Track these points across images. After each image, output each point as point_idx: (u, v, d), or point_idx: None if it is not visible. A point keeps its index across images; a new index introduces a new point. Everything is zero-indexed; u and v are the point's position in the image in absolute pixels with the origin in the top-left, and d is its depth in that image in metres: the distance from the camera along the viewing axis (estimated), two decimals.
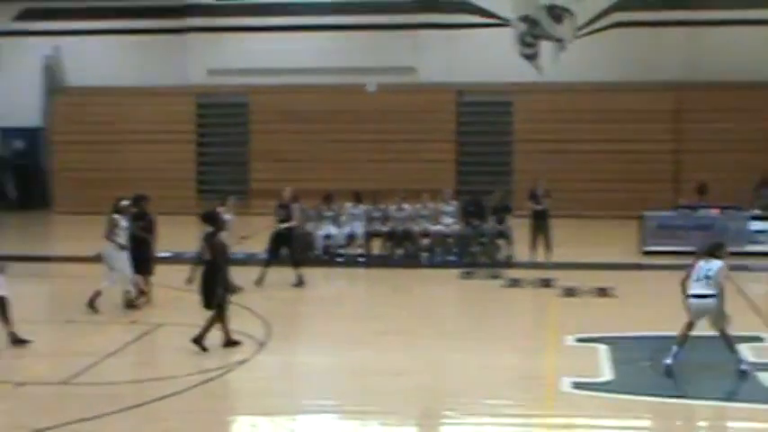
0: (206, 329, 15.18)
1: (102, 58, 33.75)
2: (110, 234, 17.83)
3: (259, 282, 20.64)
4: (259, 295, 19.71)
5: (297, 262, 21.00)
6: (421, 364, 14.75)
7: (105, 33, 34.09)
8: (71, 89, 33.70)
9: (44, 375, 14.10)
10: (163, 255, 21.54)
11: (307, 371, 14.83)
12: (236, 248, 21.62)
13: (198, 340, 15.11)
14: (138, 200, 18.77)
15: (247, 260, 21.90)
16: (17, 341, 15.49)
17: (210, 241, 15.27)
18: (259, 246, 22.11)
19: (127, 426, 12.15)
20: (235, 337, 15.46)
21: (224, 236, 18.03)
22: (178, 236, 21.25)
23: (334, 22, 33.15)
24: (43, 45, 33.61)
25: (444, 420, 12.74)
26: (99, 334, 16.68)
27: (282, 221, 21.02)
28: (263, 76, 32.78)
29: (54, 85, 33.72)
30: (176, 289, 20.04)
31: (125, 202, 18.30)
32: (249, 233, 24.48)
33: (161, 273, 20.41)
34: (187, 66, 33.67)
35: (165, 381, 13.77)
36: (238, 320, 17.21)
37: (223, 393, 13.74)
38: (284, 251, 20.95)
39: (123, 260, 17.96)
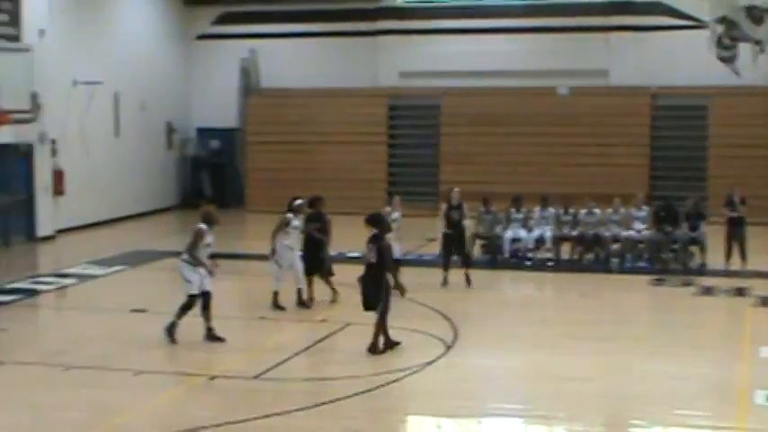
0: (377, 335, 15.20)
1: (295, 61, 34.37)
2: (276, 232, 18.04)
3: (444, 284, 20.68)
4: (447, 297, 19.73)
5: (467, 263, 21.00)
6: (609, 371, 14.50)
7: (299, 36, 34.70)
8: (266, 91, 34.44)
9: (237, 370, 14.43)
10: (353, 255, 21.78)
11: (493, 374, 14.75)
12: (423, 250, 21.77)
13: (373, 349, 15.15)
14: (314, 201, 18.80)
15: (438, 261, 21.94)
16: (213, 338, 15.91)
17: (377, 244, 15.18)
18: None
19: (315, 422, 12.32)
20: (381, 346, 15.28)
21: (391, 235, 18.19)
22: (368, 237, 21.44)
23: (526, 24, 32.93)
24: (240, 48, 34.43)
25: (631, 429, 12.50)
26: (289, 331, 16.97)
27: (453, 224, 20.93)
28: (454, 78, 32.81)
29: (250, 87, 34.51)
30: None
31: (299, 202, 18.43)
32: (438, 235, 24.51)
33: (351, 273, 20.62)
34: (378, 68, 33.98)
35: (352, 379, 13.90)
36: (426, 322, 17.29)
37: (409, 394, 13.77)
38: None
39: (294, 258, 18.17)
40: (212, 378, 14.07)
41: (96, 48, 30.21)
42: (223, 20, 35.23)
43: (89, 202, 29.64)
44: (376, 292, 15.06)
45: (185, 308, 15.79)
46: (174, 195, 35.08)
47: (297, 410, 12.58)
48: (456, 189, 21.46)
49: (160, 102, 33.85)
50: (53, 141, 27.76)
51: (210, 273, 15.74)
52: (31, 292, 20.60)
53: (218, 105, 34.83)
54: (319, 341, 16.19)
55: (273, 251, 18.09)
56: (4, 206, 25.98)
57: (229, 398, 13.41)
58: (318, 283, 18.66)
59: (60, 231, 27.95)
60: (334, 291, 18.68)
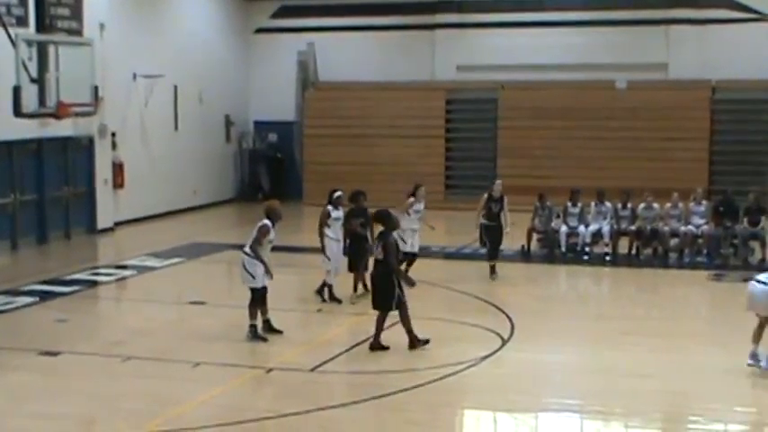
0: (409, 331, 15.08)
1: (352, 54, 34.41)
2: (321, 226, 18.08)
3: (492, 276, 20.73)
4: (503, 290, 19.68)
5: (493, 255, 21.06)
6: (667, 367, 14.39)
7: (357, 30, 34.73)
8: (323, 84, 34.51)
9: (294, 362, 14.48)
10: (406, 251, 21.77)
11: (550, 369, 14.69)
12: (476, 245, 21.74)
13: (414, 343, 15.06)
14: (356, 196, 18.67)
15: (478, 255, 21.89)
16: (271, 329, 15.99)
17: (382, 240, 15.06)
18: (504, 242, 21.98)
19: (370, 415, 12.35)
20: (385, 343, 15.16)
21: (414, 226, 18.68)
22: (425, 230, 21.43)
23: (584, 17, 32.72)
24: (298, 41, 34.53)
25: (690, 425, 12.39)
26: (346, 324, 17.01)
27: (492, 216, 20.89)
28: (511, 72, 32.67)
29: (307, 81, 34.60)
30: (424, 282, 20.27)
31: (339, 194, 18.33)
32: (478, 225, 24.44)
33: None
34: (436, 62, 33.93)
35: (407, 373, 13.91)
36: (482, 316, 17.26)
37: (466, 388, 13.75)
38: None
39: (337, 251, 18.18)
40: (269, 370, 14.15)
41: (156, 41, 30.45)
42: (281, 13, 35.35)
43: (148, 195, 29.90)
44: (385, 291, 14.92)
45: (254, 303, 15.85)
46: (232, 188, 35.29)
47: (353, 403, 12.62)
48: (498, 181, 21.51)
49: (218, 95, 34.06)
50: (113, 134, 28.04)
51: (268, 273, 15.79)
52: (91, 284, 20.84)
53: (276, 99, 34.96)
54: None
55: (323, 245, 18.17)
56: (64, 198, 26.27)
57: (286, 390, 13.48)
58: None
59: (119, 223, 28.23)
60: (365, 287, 18.50)
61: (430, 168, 32.58)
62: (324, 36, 34.46)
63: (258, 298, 15.79)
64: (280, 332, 15.94)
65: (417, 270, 20.76)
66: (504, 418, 12.60)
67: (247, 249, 15.80)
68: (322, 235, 18.14)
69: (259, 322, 15.85)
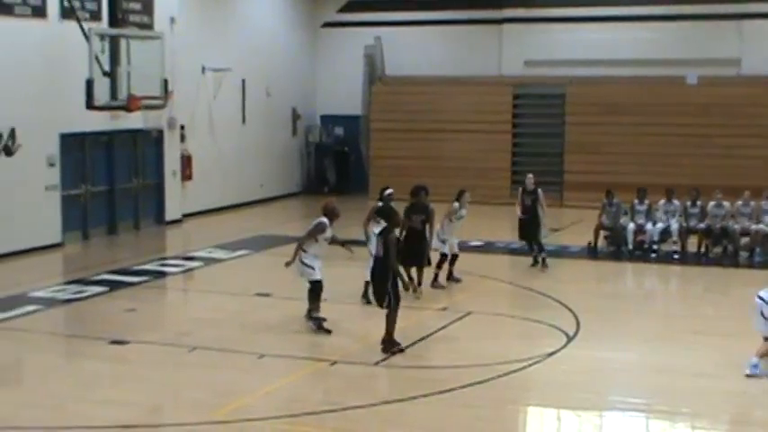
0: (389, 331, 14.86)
1: (419, 49, 34.39)
2: (367, 221, 17.99)
3: (540, 268, 20.98)
4: (569, 288, 19.55)
5: (540, 246, 21.19)
6: (734, 367, 14.19)
7: (424, 24, 34.73)
8: (390, 78, 34.52)
9: (358, 356, 14.51)
10: (474, 244, 21.79)
11: (615, 367, 14.58)
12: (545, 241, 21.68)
13: (386, 345, 14.82)
14: (417, 191, 18.53)
15: (561, 252, 21.71)
16: (311, 319, 16.03)
17: (383, 237, 14.87)
18: (571, 239, 21.96)
19: (437, 410, 12.34)
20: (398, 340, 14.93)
21: (453, 228, 18.45)
22: (490, 226, 21.45)
23: (654, 12, 32.41)
24: (365, 35, 34.56)
25: (757, 428, 12.24)
26: (410, 319, 17.00)
27: (526, 209, 20.99)
28: (579, 67, 32.45)
29: (374, 75, 34.64)
30: (489, 278, 20.26)
31: (389, 192, 18.16)
32: (562, 225, 24.33)
33: (474, 262, 20.70)
34: (503, 56, 33.80)
35: (472, 368, 13.88)
36: (547, 312, 17.18)
37: (531, 384, 13.71)
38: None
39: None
40: (333, 363, 14.19)
41: (224, 35, 30.67)
42: (349, 8, 35.42)
43: (215, 187, 30.14)
44: (382, 287, 14.76)
45: (314, 296, 15.93)
46: (298, 182, 35.44)
47: (417, 398, 12.62)
48: (530, 175, 21.60)
49: (285, 89, 34.22)
50: (182, 127, 28.30)
51: (287, 264, 15.81)
52: (159, 274, 21.07)
53: (343, 93, 35.05)
54: (440, 329, 16.20)
55: (368, 239, 18.12)
56: (134, 190, 26.57)
57: (350, 383, 13.52)
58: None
59: (187, 215, 28.48)
60: (419, 284, 18.46)
61: (496, 164, 32.51)
62: (391, 30, 34.47)
63: (319, 290, 15.90)
64: (328, 331, 15.99)
65: (482, 266, 20.83)
66: (569, 416, 12.53)
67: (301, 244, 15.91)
68: (366, 228, 18.08)
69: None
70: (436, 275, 19.10)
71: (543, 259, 21.19)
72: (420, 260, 18.33)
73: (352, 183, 34.26)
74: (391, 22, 34.67)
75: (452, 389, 12.95)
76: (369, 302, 17.54)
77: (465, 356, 14.61)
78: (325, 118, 35.99)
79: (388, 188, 18.32)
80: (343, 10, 35.59)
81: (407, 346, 14.89)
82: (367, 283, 17.66)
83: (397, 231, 15.49)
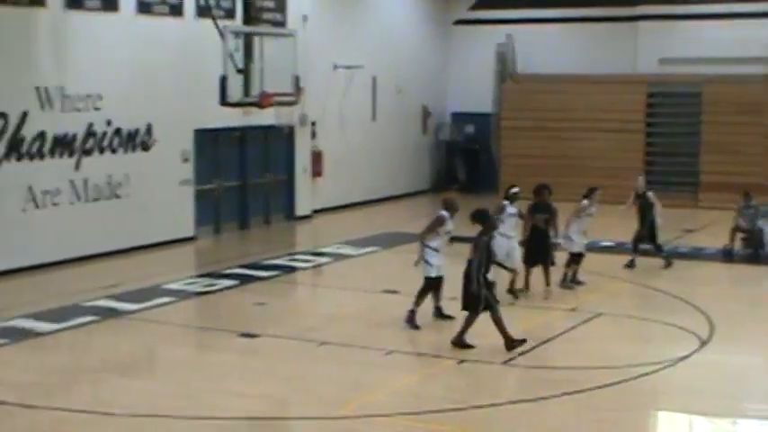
0: (503, 331, 14.70)
1: (551, 46, 34.07)
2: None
3: (630, 266, 20.77)
4: (704, 291, 19.14)
5: (659, 248, 20.95)
6: None
7: (555, 22, 34.41)
8: (521, 76, 34.30)
9: (484, 354, 14.46)
10: (605, 244, 21.54)
11: (751, 373, 14.25)
12: (678, 242, 21.29)
13: (457, 342, 14.74)
14: (540, 190, 18.41)
15: (695, 254, 21.32)
16: (442, 316, 16.14)
17: (475, 240, 14.75)
18: (706, 240, 21.54)
19: (564, 411, 12.23)
20: (469, 341, 14.77)
21: (579, 228, 18.26)
22: (621, 226, 21.14)
23: None
24: (497, 33, 34.38)
25: None
26: (538, 319, 16.90)
27: (643, 211, 20.84)
28: (716, 65, 31.72)
29: (505, 73, 34.46)
30: (619, 279, 20.01)
31: (515, 190, 18.09)
32: (697, 227, 23.88)
33: (605, 262, 20.48)
34: (638, 54, 33.27)
35: (600, 370, 13.72)
36: (680, 315, 16.88)
37: (660, 388, 13.46)
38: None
39: (511, 247, 17.85)
40: (461, 362, 14.17)
41: (356, 32, 30.86)
42: (481, 5, 35.31)
43: (345, 184, 30.35)
44: (466, 290, 14.65)
45: (423, 292, 15.99)
46: (428, 179, 35.45)
47: (545, 398, 12.53)
48: (641, 177, 21.42)
49: (416, 86, 34.27)
50: (313, 124, 28.57)
51: (416, 264, 15.91)
52: (289, 269, 21.33)
53: (474, 90, 34.91)
54: (569, 330, 16.05)
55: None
56: (265, 186, 26.93)
57: (478, 382, 13.50)
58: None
59: (317, 211, 28.75)
60: (547, 284, 18.27)
61: (629, 163, 31.98)
62: (523, 28, 34.22)
63: (431, 287, 15.93)
64: (451, 317, 15.99)
65: (612, 266, 20.59)
66: (701, 423, 12.27)
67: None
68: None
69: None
70: (565, 275, 18.93)
71: (667, 259, 20.99)
72: (544, 259, 18.21)
73: (482, 181, 34.12)
74: (523, 20, 34.42)
75: (580, 391, 12.81)
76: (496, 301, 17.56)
77: (593, 358, 14.45)
78: (455, 116, 35.94)
79: (514, 186, 18.29)
80: (475, 7, 35.49)
81: (534, 347, 14.79)
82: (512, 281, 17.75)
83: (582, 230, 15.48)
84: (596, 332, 16.09)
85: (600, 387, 12.96)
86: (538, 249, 18.06)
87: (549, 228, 18.22)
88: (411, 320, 15.88)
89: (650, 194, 21.08)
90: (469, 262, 14.66)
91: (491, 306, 14.61)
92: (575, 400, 12.54)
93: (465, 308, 14.73)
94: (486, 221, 14.98)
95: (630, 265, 20.91)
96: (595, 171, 30.34)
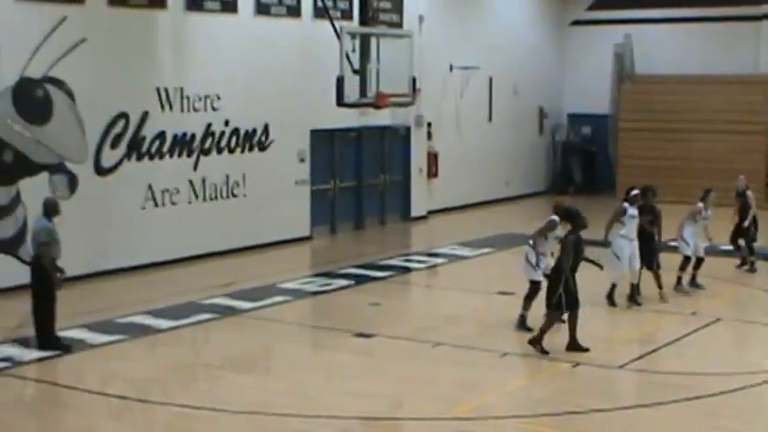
0: (572, 335, 14.62)
1: (670, 46, 33.58)
2: (611, 222, 17.60)
3: (749, 269, 20.60)
4: None
5: (751, 250, 20.55)
6: None
7: (675, 21, 33.89)
8: (639, 77, 33.86)
9: (601, 359, 14.31)
10: (725, 248, 21.11)
11: None
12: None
13: (534, 342, 14.62)
14: (645, 192, 18.13)
15: None
16: (523, 327, 15.90)
17: (562, 240, 14.67)
18: None
19: (684, 417, 12.03)
20: (583, 344, 14.64)
21: (690, 232, 18.00)
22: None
23: None
24: (614, 33, 34.01)
25: None
26: (657, 323, 16.66)
27: (742, 210, 20.46)
28: None
29: (623, 73, 34.07)
30: (740, 284, 19.63)
31: (635, 192, 17.81)
32: None
33: (725, 266, 20.12)
34: (760, 54, 32.58)
35: (720, 377, 13.45)
36: None
37: None
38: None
39: (634, 249, 17.58)
40: (576, 365, 14.04)
41: (472, 33, 30.79)
42: (598, 5, 34.96)
43: (460, 185, 30.30)
44: (549, 289, 14.56)
45: (531, 296, 15.86)
46: (544, 180, 35.23)
47: (661, 403, 12.34)
48: (741, 177, 21.05)
49: (532, 87, 34.07)
50: (429, 125, 28.60)
51: (538, 265, 15.80)
52: (404, 270, 21.37)
53: (590, 91, 34.58)
54: (688, 334, 15.77)
55: (607, 241, 17.73)
56: (381, 186, 27.02)
57: (593, 386, 13.36)
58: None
59: (432, 212, 28.75)
60: (659, 287, 17.95)
61: (749, 165, 31.26)
62: (641, 28, 33.78)
63: (538, 290, 15.82)
64: (562, 321, 15.86)
65: (734, 271, 20.18)
66: None
67: (531, 242, 15.84)
68: (608, 230, 17.74)
69: None
70: (679, 279, 18.63)
71: (752, 262, 20.67)
72: (649, 262, 17.91)
73: (599, 182, 33.79)
74: (641, 20, 33.99)
75: (698, 396, 12.61)
76: (613, 304, 17.33)
77: (713, 364, 14.20)
78: (572, 117, 35.64)
79: (633, 188, 18.08)
80: (592, 8, 35.16)
81: (652, 351, 14.59)
82: (613, 285, 17.45)
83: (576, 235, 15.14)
84: (715, 337, 15.80)
85: (718, 394, 12.72)
86: (644, 252, 17.78)
87: (654, 230, 17.99)
88: (522, 324, 15.79)
89: (749, 194, 20.70)
90: (558, 261, 14.61)
91: (571, 306, 14.51)
92: (693, 406, 12.34)
93: (548, 306, 14.66)
94: (575, 220, 14.85)
95: (743, 264, 20.60)
96: (714, 173, 29.78)
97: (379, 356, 14.68)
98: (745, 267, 20.75)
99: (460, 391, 12.85)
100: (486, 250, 23.26)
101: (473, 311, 17.27)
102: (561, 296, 14.40)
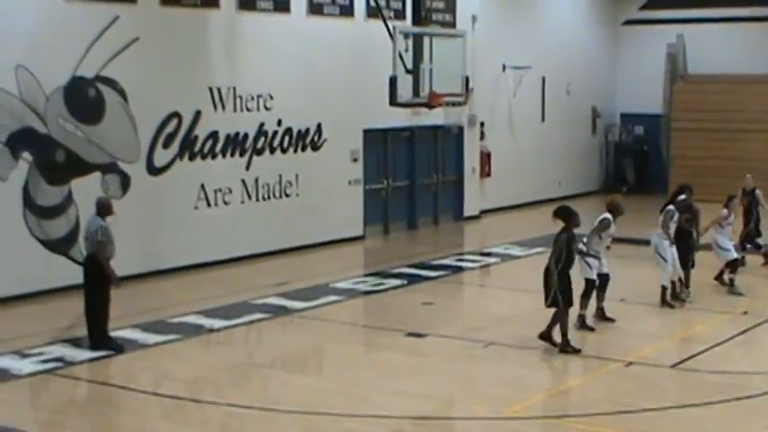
0: (549, 327, 14.66)
1: (723, 46, 33.28)
2: (664, 224, 17.49)
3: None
4: None
5: (757, 246, 20.58)
6: None
7: (728, 21, 33.57)
8: (692, 77, 33.61)
9: (654, 358, 14.25)
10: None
11: None
12: None
13: (544, 336, 14.67)
14: (682, 190, 18.16)
15: None
16: (604, 318, 16.05)
17: (556, 238, 14.67)
18: None
19: (731, 416, 11.96)
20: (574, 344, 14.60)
21: (722, 239, 17.98)
22: None
23: None
24: (667, 33, 33.78)
25: None
26: (709, 322, 16.54)
27: (750, 208, 20.43)
28: None
29: (676, 73, 33.84)
30: None
31: (682, 197, 17.84)
32: None
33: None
34: None
35: None
36: None
37: None
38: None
39: (672, 252, 17.43)
40: (629, 364, 13.98)
41: (525, 33, 30.71)
42: (651, 5, 34.73)
43: (513, 185, 30.25)
44: (547, 286, 14.57)
45: (586, 295, 15.81)
46: (597, 180, 35.07)
47: (714, 403, 12.25)
48: (748, 175, 20.95)
49: (585, 87, 33.93)
50: (482, 124, 28.57)
51: (598, 260, 15.80)
52: (456, 269, 21.37)
53: (643, 91, 34.39)
54: (739, 334, 15.66)
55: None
56: (434, 186, 27.03)
57: (645, 385, 13.28)
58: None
59: (485, 212, 28.72)
60: (687, 286, 17.87)
61: None
62: (694, 27, 33.52)
63: (592, 289, 15.82)
64: (612, 320, 16.06)
65: None
66: None
67: (584, 239, 15.80)
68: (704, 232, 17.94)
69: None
70: (732, 281, 18.50)
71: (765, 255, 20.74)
72: (685, 260, 17.78)
73: (652, 182, 33.58)
74: (694, 20, 33.71)
75: (750, 396, 12.53)
76: (669, 305, 17.23)
77: (763, 363, 14.07)
78: (625, 117, 35.45)
79: (682, 193, 18.08)
80: (644, 7, 34.94)
81: (705, 350, 14.49)
82: (664, 288, 17.33)
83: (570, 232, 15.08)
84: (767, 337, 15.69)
85: None
86: (681, 250, 17.65)
87: (692, 228, 17.96)
88: (583, 324, 15.75)
89: (758, 192, 20.65)
90: (549, 259, 14.69)
91: (563, 304, 14.55)
92: (743, 405, 12.26)
93: (546, 304, 14.69)
94: (569, 218, 14.87)
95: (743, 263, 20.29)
96: (766, 173, 29.50)
97: (431, 356, 14.69)
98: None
99: (512, 391, 12.84)
100: (538, 250, 23.09)
101: (525, 311, 17.19)
102: (557, 294, 14.47)
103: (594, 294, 16.00)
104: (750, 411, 12.12)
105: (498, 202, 29.57)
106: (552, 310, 14.66)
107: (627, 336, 15.58)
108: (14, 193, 17.78)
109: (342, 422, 11.78)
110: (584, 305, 15.82)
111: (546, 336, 14.71)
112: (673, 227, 17.45)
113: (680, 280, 17.77)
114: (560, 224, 14.85)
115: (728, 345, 15.06)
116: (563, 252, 14.54)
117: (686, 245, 17.78)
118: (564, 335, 14.58)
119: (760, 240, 20.81)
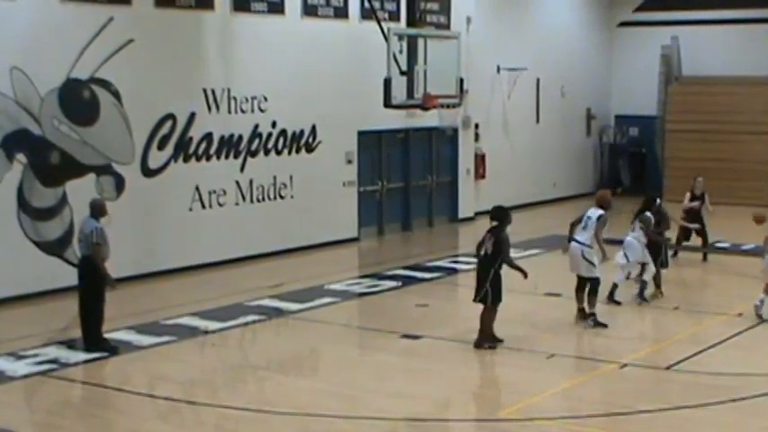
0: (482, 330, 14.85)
1: (717, 48, 33.32)
2: (648, 231, 17.69)
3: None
4: None
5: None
6: None
7: (722, 23, 33.61)
8: (686, 78, 33.65)
9: (648, 359, 14.28)
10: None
11: None
12: None
13: (478, 344, 14.82)
14: (653, 200, 18.88)
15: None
16: (585, 317, 16.10)
17: (495, 235, 14.94)
18: None
19: (726, 418, 11.97)
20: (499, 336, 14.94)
21: None
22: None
23: None
24: (662, 35, 33.81)
25: None
26: (704, 324, 16.55)
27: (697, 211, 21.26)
28: None
29: (670, 75, 33.87)
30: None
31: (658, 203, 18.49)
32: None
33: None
34: None
35: (767, 378, 13.38)
36: None
37: None
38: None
39: (645, 252, 17.61)
40: (623, 366, 13.99)
41: (520, 34, 30.73)
42: (645, 7, 34.76)
43: (508, 186, 30.19)
44: (481, 284, 14.86)
45: (594, 293, 15.85)
46: (591, 182, 35.06)
47: (709, 404, 12.26)
48: (699, 178, 21.44)
49: (580, 88, 33.95)
50: (476, 126, 28.57)
51: (604, 257, 16.03)
52: (451, 271, 21.35)
53: (638, 93, 34.42)
54: (734, 335, 15.67)
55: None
56: (428, 187, 27.02)
57: (640, 387, 13.30)
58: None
59: (479, 213, 28.68)
60: (657, 285, 18.10)
61: None
62: (689, 30, 33.55)
63: (597, 287, 15.84)
64: (605, 325, 15.97)
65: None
66: None
67: (582, 239, 15.91)
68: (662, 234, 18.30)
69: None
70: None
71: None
72: (655, 260, 17.92)
73: (647, 184, 33.59)
74: (689, 22, 33.75)
75: (744, 398, 12.53)
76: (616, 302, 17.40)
77: (759, 365, 14.07)
78: (619, 118, 35.48)
79: (657, 200, 18.89)
80: (639, 9, 34.96)
81: (700, 351, 14.49)
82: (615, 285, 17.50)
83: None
84: (763, 339, 15.65)
85: (764, 395, 12.61)
86: (651, 250, 17.85)
87: (662, 231, 18.49)
88: (597, 323, 15.82)
89: (706, 197, 21.37)
90: (487, 257, 14.99)
91: (495, 300, 14.88)
92: (740, 407, 12.26)
93: (478, 300, 15.00)
94: (507, 217, 15.36)
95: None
96: (761, 175, 29.55)
97: (426, 358, 14.69)
98: None
99: (507, 393, 12.86)
100: (533, 251, 23.19)
101: (520, 313, 17.20)
102: (488, 290, 14.75)
103: (584, 294, 16.08)
104: (746, 413, 12.12)
105: (493, 204, 29.33)
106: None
107: (622, 337, 15.58)
108: (9, 194, 17.77)
109: (336, 424, 11.78)
110: (592, 304, 15.86)
111: (484, 338, 14.84)
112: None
113: (653, 279, 17.98)
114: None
115: (724, 346, 15.07)
116: (509, 249, 14.98)
117: (656, 245, 18.04)
118: (482, 331, 14.82)
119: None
